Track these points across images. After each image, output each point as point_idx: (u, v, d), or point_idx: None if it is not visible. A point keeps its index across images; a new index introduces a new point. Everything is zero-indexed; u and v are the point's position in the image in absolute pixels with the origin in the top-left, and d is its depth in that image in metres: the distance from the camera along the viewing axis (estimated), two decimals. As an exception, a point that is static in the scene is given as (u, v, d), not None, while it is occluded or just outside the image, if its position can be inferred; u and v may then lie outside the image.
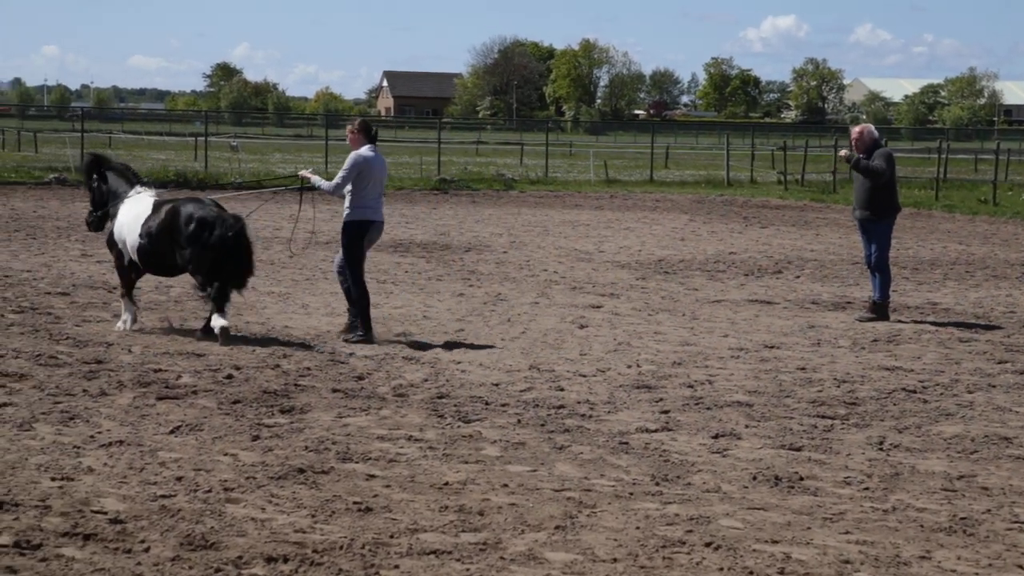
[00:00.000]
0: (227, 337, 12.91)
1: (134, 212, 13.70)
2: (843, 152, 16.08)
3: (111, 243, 14.07)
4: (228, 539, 7.00)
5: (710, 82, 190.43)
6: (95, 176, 14.47)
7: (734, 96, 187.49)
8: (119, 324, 13.68)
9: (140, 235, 13.48)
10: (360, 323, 13.61)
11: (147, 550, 6.79)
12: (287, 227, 26.35)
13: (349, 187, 13.71)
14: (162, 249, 13.37)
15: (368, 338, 13.45)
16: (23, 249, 20.91)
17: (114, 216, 14.00)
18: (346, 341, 13.39)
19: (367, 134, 13.96)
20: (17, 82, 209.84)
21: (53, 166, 42.62)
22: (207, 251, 13.11)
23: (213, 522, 7.28)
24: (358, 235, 13.75)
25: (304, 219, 14.62)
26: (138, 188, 14.13)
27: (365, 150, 13.81)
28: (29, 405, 10.01)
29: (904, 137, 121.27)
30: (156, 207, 13.56)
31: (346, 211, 13.78)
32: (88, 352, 12.26)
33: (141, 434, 9.24)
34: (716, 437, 9.70)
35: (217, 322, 13.03)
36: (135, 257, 13.68)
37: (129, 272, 13.90)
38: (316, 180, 14.26)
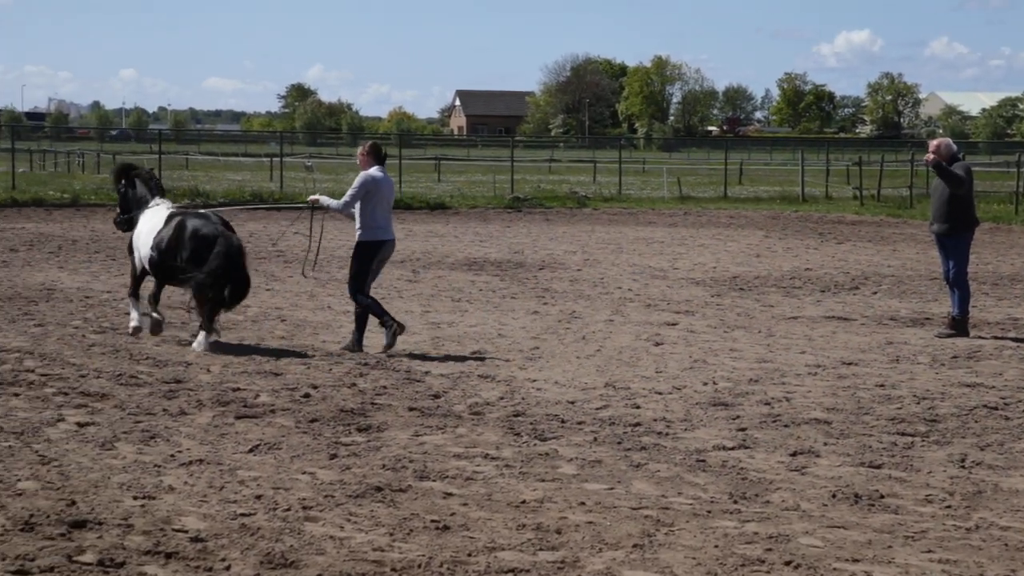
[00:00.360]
0: (199, 355, 13.46)
1: (150, 224, 14.37)
2: (929, 156, 15.85)
3: (129, 248, 14.83)
4: (307, 557, 7.04)
5: (784, 98, 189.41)
6: (123, 181, 15.24)
7: (808, 111, 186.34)
8: (130, 323, 14.46)
9: (151, 247, 14.11)
10: (355, 331, 14.15)
11: (228, 568, 6.85)
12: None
13: (358, 208, 14.09)
14: (170, 262, 13.95)
15: (358, 347, 13.96)
16: (103, 270, 21.19)
17: (135, 224, 14.69)
18: (384, 351, 13.87)
19: (376, 156, 14.30)
20: (96, 105, 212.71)
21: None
22: (203, 268, 13.62)
23: (292, 540, 7.32)
24: (369, 255, 14.15)
25: (315, 240, 14.91)
26: (157, 200, 14.81)
27: (374, 171, 14.14)
28: (111, 424, 10.14)
29: (982, 151, 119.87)
30: (168, 220, 14.15)
31: (358, 232, 14.16)
32: (168, 371, 12.40)
33: (220, 453, 9.33)
34: (794, 455, 9.62)
35: (197, 344, 13.71)
36: (147, 266, 14.34)
37: (140, 277, 14.63)
38: (325, 200, 14.66)
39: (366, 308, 14.09)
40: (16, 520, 7.53)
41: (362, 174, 14.14)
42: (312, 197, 15.14)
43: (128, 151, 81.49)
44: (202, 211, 14.84)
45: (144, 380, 11.93)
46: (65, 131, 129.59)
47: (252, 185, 47.57)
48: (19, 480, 8.43)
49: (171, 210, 14.45)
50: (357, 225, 14.15)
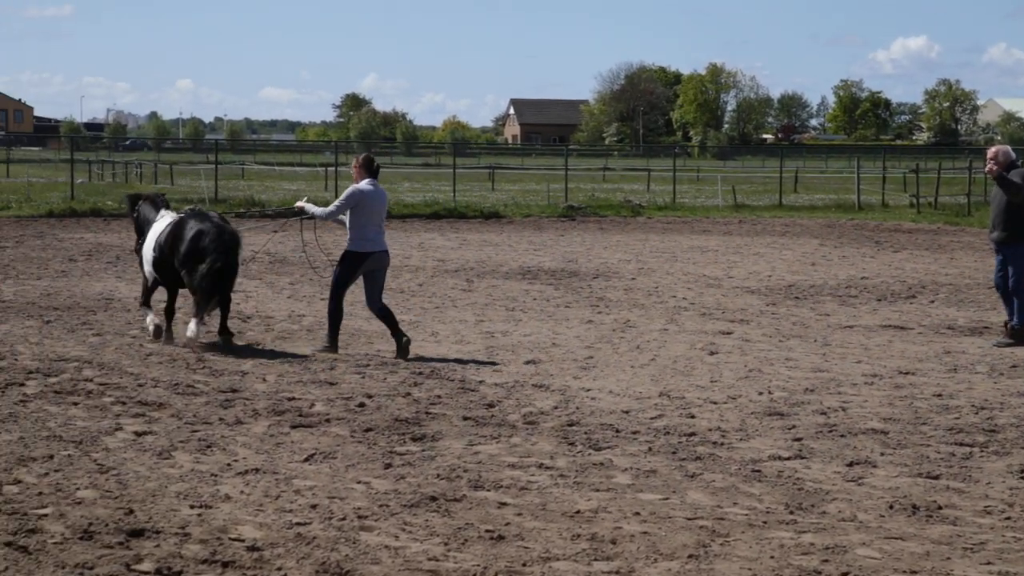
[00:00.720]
0: (190, 340, 14.37)
1: (153, 231, 15.19)
2: (990, 166, 15.65)
3: (140, 263, 15.61)
4: (363, 567, 7.07)
5: (839, 105, 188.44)
6: (134, 210, 16.15)
7: (864, 118, 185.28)
8: (148, 326, 15.12)
9: (154, 249, 14.92)
10: (328, 336, 14.52)
11: (283, 577, 6.88)
12: (416, 255, 26.59)
13: (348, 219, 14.52)
14: (170, 258, 14.68)
15: (332, 349, 14.38)
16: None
17: (145, 240, 15.43)
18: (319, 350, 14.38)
19: (368, 169, 14.68)
20: (153, 116, 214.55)
21: (188, 198, 43.47)
22: (197, 259, 14.36)
23: (347, 550, 7.35)
24: (354, 265, 14.49)
25: (309, 244, 15.33)
26: (162, 212, 15.49)
27: (364, 184, 14.50)
28: (168, 433, 10.22)
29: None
30: (169, 223, 14.96)
31: (348, 241, 14.58)
32: (224, 381, 12.48)
33: (276, 462, 9.38)
34: (851, 465, 9.56)
35: (188, 329, 14.47)
36: (152, 270, 15.06)
37: (152, 288, 15.32)
38: (311, 208, 15.13)
39: (329, 315, 14.51)
40: (75, 528, 7.61)
41: (351, 187, 14.52)
42: (299, 204, 15.56)
43: (185, 161, 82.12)
44: (200, 211, 15.55)
45: (201, 389, 12.02)
46: (123, 142, 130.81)
47: (307, 194, 47.79)
48: (78, 489, 8.52)
49: (173, 217, 15.21)
50: (348, 235, 14.55)
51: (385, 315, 14.42)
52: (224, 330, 14.60)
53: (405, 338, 14.23)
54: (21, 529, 7.58)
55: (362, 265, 14.44)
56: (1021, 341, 15.46)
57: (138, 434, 10.17)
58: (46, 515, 7.90)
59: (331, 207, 14.66)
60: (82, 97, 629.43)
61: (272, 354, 14.06)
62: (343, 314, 14.63)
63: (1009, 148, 16.13)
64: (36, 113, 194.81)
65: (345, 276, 14.51)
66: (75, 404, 11.27)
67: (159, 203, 15.88)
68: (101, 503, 8.18)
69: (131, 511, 7.99)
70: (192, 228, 14.51)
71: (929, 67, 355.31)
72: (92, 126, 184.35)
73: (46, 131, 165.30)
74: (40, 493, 8.40)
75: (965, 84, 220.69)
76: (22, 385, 12.05)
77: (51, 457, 9.36)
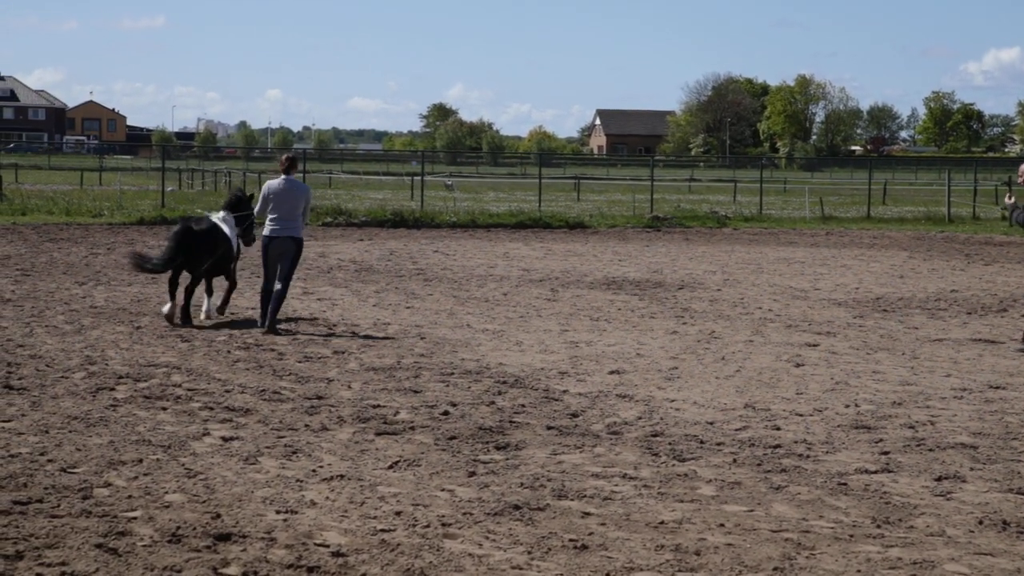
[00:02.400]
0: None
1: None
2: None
3: None
4: (446, 574, 7.09)
5: (930, 116, 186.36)
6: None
7: (955, 130, 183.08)
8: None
9: None
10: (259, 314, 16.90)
11: (367, 583, 6.92)
12: (501, 264, 26.64)
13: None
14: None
15: (261, 324, 16.58)
16: (247, 287, 21.55)
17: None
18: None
19: (284, 168, 17.00)
20: (243, 125, 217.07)
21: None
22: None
23: (431, 557, 7.38)
24: (263, 248, 16.88)
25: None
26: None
27: (273, 180, 16.91)
28: (254, 439, 10.32)
29: None
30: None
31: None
32: (309, 388, 12.58)
33: (361, 469, 9.43)
34: (939, 479, 9.44)
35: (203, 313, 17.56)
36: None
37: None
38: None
39: (262, 295, 16.84)
40: (164, 532, 7.71)
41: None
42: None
43: (273, 170, 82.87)
44: (204, 214, 18.20)
45: (287, 396, 12.12)
46: (213, 151, 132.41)
47: (393, 204, 48.10)
48: (166, 493, 8.62)
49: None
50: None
51: (276, 297, 16.41)
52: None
53: (263, 324, 16.41)
54: (111, 532, 7.69)
55: (268, 248, 16.72)
56: None
57: (225, 439, 10.28)
58: (135, 518, 8.01)
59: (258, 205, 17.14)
60: (173, 107, 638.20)
61: (358, 361, 14.15)
62: (269, 295, 16.60)
63: None
64: (129, 122, 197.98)
65: (263, 262, 16.90)
66: (164, 409, 11.42)
67: (224, 204, 18.36)
68: (189, 507, 8.28)
69: (218, 515, 8.08)
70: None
71: (1022, 79, 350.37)
72: (183, 135, 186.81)
73: (138, 140, 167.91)
74: (129, 496, 8.52)
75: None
76: (112, 390, 12.22)
77: (140, 461, 9.49)
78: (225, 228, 17.65)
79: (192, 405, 11.59)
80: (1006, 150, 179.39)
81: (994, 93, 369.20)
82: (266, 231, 16.67)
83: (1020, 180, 16.50)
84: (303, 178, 48.05)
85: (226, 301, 18.02)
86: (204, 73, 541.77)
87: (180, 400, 11.81)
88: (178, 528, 7.77)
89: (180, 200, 47.35)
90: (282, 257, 16.61)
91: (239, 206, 18.08)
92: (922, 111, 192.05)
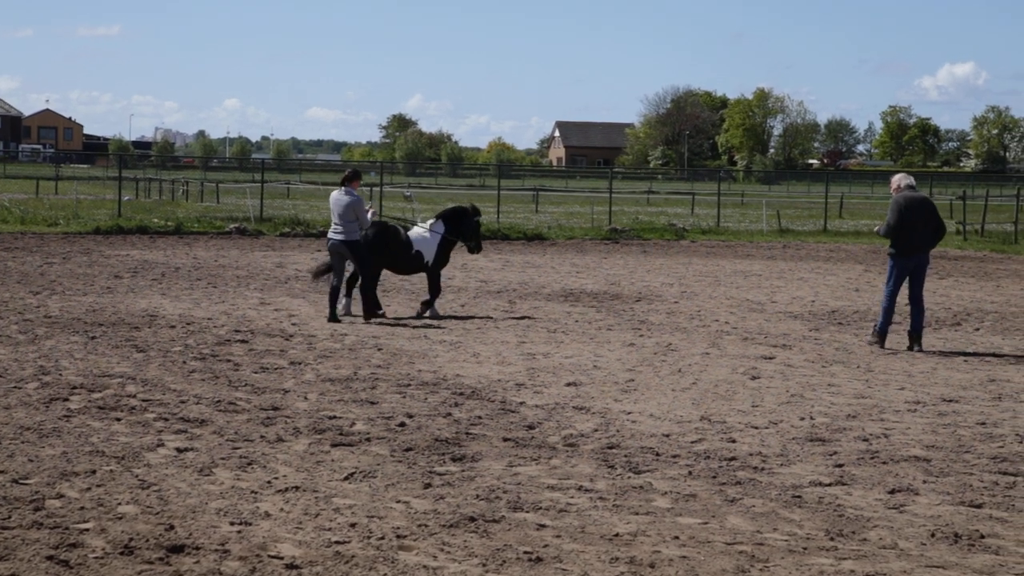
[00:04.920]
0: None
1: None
2: None
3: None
4: (400, 586, 7.06)
5: (887, 131, 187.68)
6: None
7: (912, 145, 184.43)
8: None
9: None
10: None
11: (321, 595, 6.89)
12: (459, 276, 26.63)
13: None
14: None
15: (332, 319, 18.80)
16: (204, 297, 21.48)
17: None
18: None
19: (342, 181, 19.12)
20: (201, 134, 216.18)
21: (234, 216, 43.77)
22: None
23: (386, 569, 7.36)
24: (328, 250, 19.42)
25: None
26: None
27: (335, 192, 19.21)
28: (209, 450, 10.27)
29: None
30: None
31: None
32: (265, 399, 12.53)
33: (316, 480, 9.41)
34: (892, 492, 9.50)
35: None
36: None
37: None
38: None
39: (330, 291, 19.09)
40: (116, 544, 7.66)
41: None
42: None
43: (231, 180, 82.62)
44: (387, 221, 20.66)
45: (242, 407, 12.07)
46: (170, 160, 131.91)
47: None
48: (119, 504, 8.57)
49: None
50: None
51: (334, 292, 18.87)
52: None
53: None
54: (63, 543, 7.63)
55: (329, 250, 19.23)
56: None
57: (180, 450, 10.23)
58: (87, 530, 7.96)
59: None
60: (131, 116, 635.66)
61: (315, 372, 14.11)
62: (337, 292, 18.98)
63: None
64: (85, 131, 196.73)
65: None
66: (118, 420, 11.34)
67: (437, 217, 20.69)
68: (142, 518, 8.23)
69: (171, 527, 8.04)
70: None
71: (976, 94, 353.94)
72: (140, 144, 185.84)
73: (95, 149, 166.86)
74: (82, 508, 8.46)
75: (1014, 111, 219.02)
76: (66, 400, 12.14)
77: (93, 472, 9.43)
78: (414, 235, 19.95)
79: (147, 416, 11.53)
80: (961, 165, 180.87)
81: (949, 108, 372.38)
82: (328, 235, 19.20)
83: (892, 190, 17.80)
84: (262, 189, 47.97)
85: (428, 304, 19.88)
86: (161, 82, 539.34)
87: (134, 411, 11.74)
88: (131, 540, 7.72)
89: (137, 209, 47.12)
90: (335, 257, 19.06)
91: (452, 219, 20.36)
92: (879, 125, 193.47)
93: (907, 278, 17.64)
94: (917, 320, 17.46)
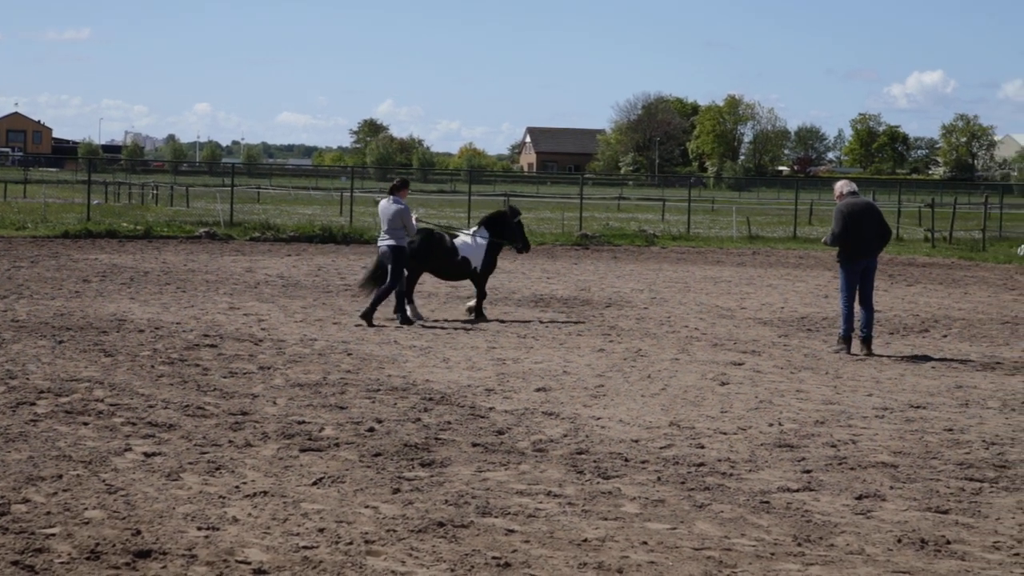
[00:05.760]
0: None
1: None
2: None
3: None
4: (368, 591, 7.05)
5: (856, 138, 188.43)
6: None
7: (881, 152, 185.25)
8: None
9: None
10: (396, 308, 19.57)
11: (289, 600, 6.88)
12: (430, 281, 26.63)
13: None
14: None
15: (405, 321, 19.37)
16: (173, 301, 21.41)
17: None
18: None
19: (390, 190, 19.89)
20: (171, 138, 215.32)
21: (204, 220, 43.63)
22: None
23: (354, 574, 7.35)
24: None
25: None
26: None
27: (382, 199, 19.97)
28: (177, 455, 10.23)
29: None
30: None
31: None
32: (234, 403, 12.50)
33: (284, 485, 9.38)
34: (860, 498, 9.53)
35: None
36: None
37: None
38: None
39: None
40: (82, 549, 7.62)
41: None
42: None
43: (201, 184, 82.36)
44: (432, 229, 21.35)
45: (211, 411, 12.03)
46: (140, 164, 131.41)
47: (321, 219, 47.95)
48: (86, 509, 8.53)
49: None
50: None
51: (381, 291, 19.27)
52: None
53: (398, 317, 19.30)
54: (28, 548, 7.59)
55: (378, 254, 19.85)
56: None
57: (147, 455, 10.19)
58: (54, 535, 7.92)
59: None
60: (100, 119, 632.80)
61: (284, 377, 14.08)
62: (402, 295, 19.45)
63: None
64: (55, 135, 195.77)
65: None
66: (85, 424, 11.29)
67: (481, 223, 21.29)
68: (109, 523, 8.19)
69: (138, 532, 8.00)
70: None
71: (944, 102, 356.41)
72: (110, 148, 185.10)
73: (64, 152, 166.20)
74: (48, 513, 8.42)
75: (982, 120, 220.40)
76: (33, 404, 12.08)
77: (60, 477, 9.38)
78: (459, 242, 20.61)
79: (114, 420, 11.48)
80: (930, 172, 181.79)
81: (917, 116, 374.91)
82: (378, 242, 19.86)
83: (836, 198, 18.01)
84: (232, 193, 47.85)
85: (477, 307, 20.49)
86: (132, 86, 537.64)
87: (102, 415, 11.68)
88: (97, 545, 7.68)
89: (106, 213, 46.93)
90: (387, 261, 19.46)
91: (494, 224, 21.05)
92: (848, 132, 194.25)
93: (857, 283, 17.78)
94: (868, 325, 17.64)
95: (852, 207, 17.66)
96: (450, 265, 20.57)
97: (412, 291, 20.32)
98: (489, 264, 20.84)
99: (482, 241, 20.77)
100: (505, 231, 21.11)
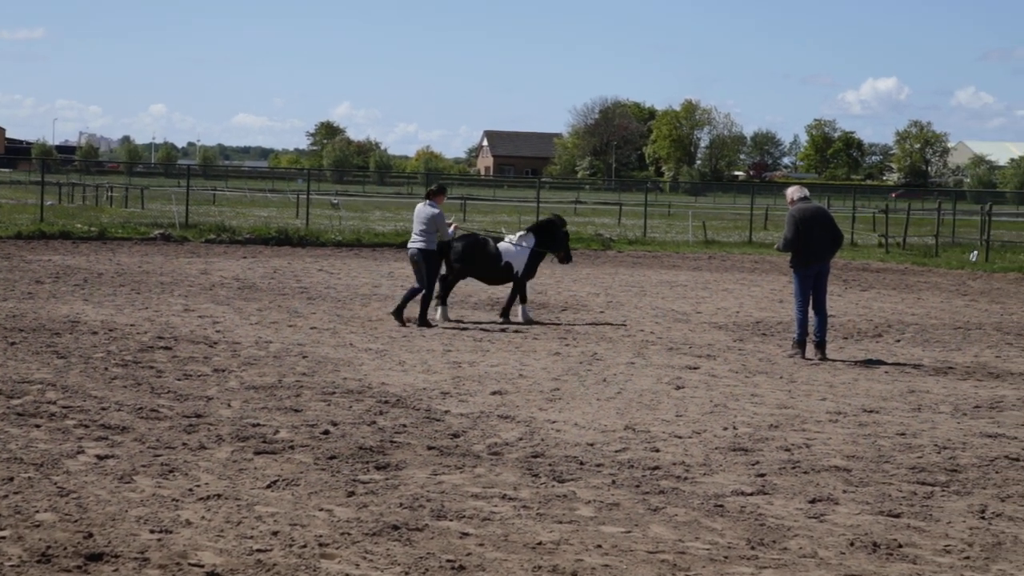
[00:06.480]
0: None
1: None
2: None
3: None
4: (322, 594, 7.03)
5: (812, 144, 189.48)
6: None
7: (836, 158, 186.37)
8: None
9: None
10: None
11: (242, 603, 6.84)
12: (386, 284, 26.58)
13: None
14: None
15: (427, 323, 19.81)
16: (127, 303, 21.28)
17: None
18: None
19: (425, 195, 20.40)
20: (126, 139, 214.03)
21: (158, 222, 43.41)
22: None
23: (307, 577, 7.32)
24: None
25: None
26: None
27: (419, 204, 20.28)
28: (130, 457, 10.17)
29: (1009, 201, 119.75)
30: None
31: None
32: (188, 406, 12.43)
33: (238, 488, 9.34)
34: (813, 502, 9.58)
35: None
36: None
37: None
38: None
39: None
40: (33, 552, 7.56)
41: None
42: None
43: (156, 185, 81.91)
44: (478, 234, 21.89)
45: (165, 414, 11.97)
46: (95, 165, 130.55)
47: (278, 221, 47.79)
48: (37, 512, 8.46)
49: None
50: None
51: (409, 292, 19.94)
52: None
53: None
54: (-22, 551, 7.52)
55: (409, 257, 20.29)
56: None
57: (100, 457, 10.12)
58: (4, 537, 7.85)
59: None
60: (54, 120, 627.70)
61: (239, 380, 14.02)
62: (429, 298, 19.92)
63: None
64: (8, 135, 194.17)
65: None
66: (37, 427, 11.20)
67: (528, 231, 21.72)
68: (60, 526, 8.13)
69: (90, 535, 7.95)
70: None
71: (898, 108, 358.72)
72: (64, 148, 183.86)
73: (17, 153, 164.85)
74: (-1, 515, 8.34)
75: (935, 126, 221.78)
76: (-16, 406, 11.97)
77: (11, 479, 9.30)
78: (503, 246, 21.01)
79: (67, 423, 11.39)
80: (884, 178, 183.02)
81: (871, 122, 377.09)
82: (408, 244, 20.42)
83: (788, 204, 18.24)
84: (187, 195, 47.61)
85: (507, 307, 21.04)
86: (86, 86, 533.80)
87: (54, 417, 11.60)
88: (48, 548, 7.62)
89: (60, 215, 46.60)
90: (418, 262, 19.96)
91: (542, 231, 21.49)
92: (804, 138, 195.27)
93: (811, 288, 17.89)
94: (821, 329, 17.75)
95: (804, 212, 17.77)
96: (494, 270, 21.02)
97: (448, 293, 20.90)
98: (530, 270, 21.26)
99: (526, 246, 21.19)
100: (552, 240, 21.54)
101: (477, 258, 20.85)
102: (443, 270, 20.68)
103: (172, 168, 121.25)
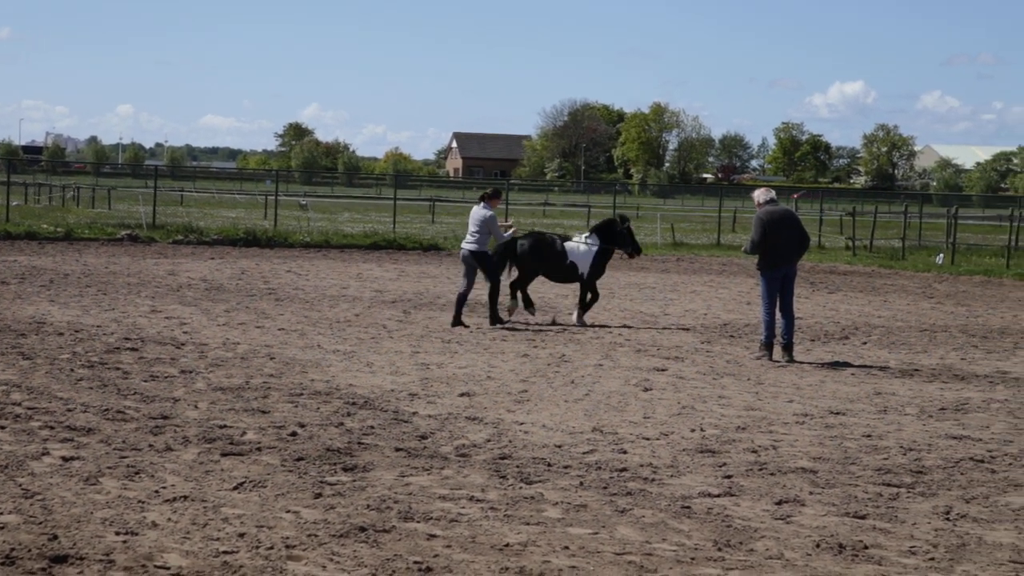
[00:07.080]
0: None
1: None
2: None
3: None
4: (288, 596, 7.01)
5: (780, 147, 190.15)
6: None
7: (804, 161, 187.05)
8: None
9: None
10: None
11: (208, 606, 6.82)
12: (354, 285, 26.54)
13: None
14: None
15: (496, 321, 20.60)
16: (94, 304, 21.18)
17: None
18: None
19: (480, 198, 20.95)
20: (93, 140, 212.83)
21: (125, 223, 43.20)
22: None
23: (274, 579, 7.30)
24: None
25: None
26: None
27: (475, 206, 20.80)
28: (96, 459, 10.12)
29: (975, 204, 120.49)
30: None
31: None
32: (155, 407, 12.38)
33: (205, 490, 9.31)
34: (780, 503, 9.61)
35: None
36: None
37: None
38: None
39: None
40: (-3, 553, 7.51)
41: None
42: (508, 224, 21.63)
43: (123, 186, 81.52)
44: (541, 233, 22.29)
45: (131, 415, 11.91)
46: (61, 165, 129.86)
47: (246, 222, 47.64)
48: (1, 514, 8.41)
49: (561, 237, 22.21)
50: None
51: (460, 297, 20.39)
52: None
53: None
54: (-58, 553, 7.47)
55: (462, 259, 20.86)
56: None
57: (65, 459, 10.07)
58: (-32, 539, 7.80)
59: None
60: (20, 120, 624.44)
61: (206, 381, 13.97)
62: (464, 299, 20.58)
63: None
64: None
65: None
66: (2, 428, 11.13)
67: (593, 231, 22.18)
68: (25, 528, 8.08)
69: (55, 537, 7.90)
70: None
71: (865, 112, 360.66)
72: (30, 149, 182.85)
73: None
74: (-37, 517, 8.28)
75: (901, 130, 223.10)
76: (-51, 407, 11.89)
77: (-24, 481, 9.24)
78: (569, 246, 21.63)
79: (32, 424, 11.32)
80: (852, 181, 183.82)
81: (839, 125, 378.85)
82: (462, 245, 20.93)
83: (756, 206, 18.38)
84: (155, 195, 47.43)
85: (582, 310, 21.49)
86: (53, 86, 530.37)
87: (19, 419, 11.53)
88: (12, 550, 7.57)
89: (26, 215, 46.34)
90: (470, 265, 20.54)
91: (605, 231, 21.91)
92: (772, 141, 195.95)
93: (778, 290, 17.96)
94: (788, 331, 17.83)
95: (771, 215, 17.84)
96: (559, 268, 21.69)
97: (524, 289, 21.70)
98: (597, 270, 21.74)
99: (592, 246, 21.70)
100: (615, 238, 21.91)
101: (545, 255, 21.51)
102: (507, 273, 21.49)
103: (139, 169, 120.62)
